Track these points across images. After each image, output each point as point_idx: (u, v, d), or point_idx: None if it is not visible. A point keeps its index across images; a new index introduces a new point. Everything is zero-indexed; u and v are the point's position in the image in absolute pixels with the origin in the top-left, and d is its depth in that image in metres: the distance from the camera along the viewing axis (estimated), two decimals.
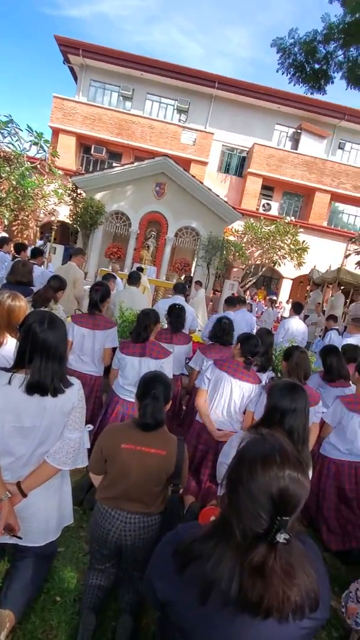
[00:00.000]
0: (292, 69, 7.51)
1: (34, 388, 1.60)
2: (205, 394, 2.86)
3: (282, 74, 7.69)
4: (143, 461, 1.76)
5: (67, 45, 17.25)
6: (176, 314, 3.64)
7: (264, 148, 17.78)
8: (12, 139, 10.20)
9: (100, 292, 3.19)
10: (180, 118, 18.86)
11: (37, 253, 5.65)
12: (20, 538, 1.71)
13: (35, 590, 1.82)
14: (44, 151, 10.84)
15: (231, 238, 14.29)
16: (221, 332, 3.41)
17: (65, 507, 1.91)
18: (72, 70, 18.98)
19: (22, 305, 2.26)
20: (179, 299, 4.84)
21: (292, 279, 16.86)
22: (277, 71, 7.69)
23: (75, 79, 19.05)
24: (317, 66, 7.41)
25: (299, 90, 8.30)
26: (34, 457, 1.70)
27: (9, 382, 1.59)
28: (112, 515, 1.78)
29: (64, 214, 13.32)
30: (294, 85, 7.84)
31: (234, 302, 5.46)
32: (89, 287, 3.48)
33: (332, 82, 7.58)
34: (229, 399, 2.79)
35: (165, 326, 3.81)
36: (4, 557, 1.96)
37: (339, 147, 19.38)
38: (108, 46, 17.22)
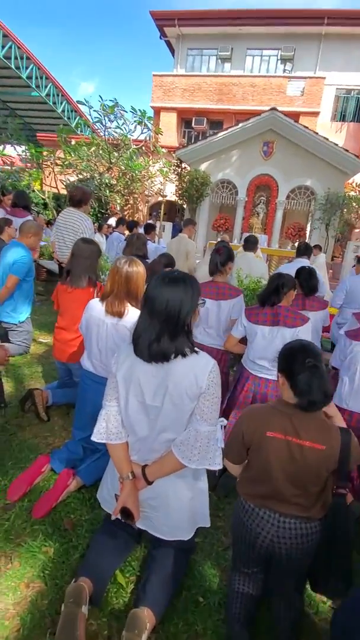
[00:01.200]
0: None
1: (137, 345, 1.40)
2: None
3: None
4: (295, 455, 1.37)
5: (162, 18, 16.96)
6: (307, 275, 3.06)
7: None
8: (118, 123, 10.45)
9: (223, 254, 2.83)
10: (285, 68, 17.03)
11: (149, 228, 5.61)
12: (134, 525, 1.56)
13: (176, 585, 1.61)
14: (148, 129, 10.88)
15: (352, 194, 12.47)
16: None
17: (200, 507, 1.65)
18: (168, 44, 18.65)
19: (140, 270, 2.03)
20: (304, 262, 4.22)
21: None
22: None
23: (173, 53, 18.69)
24: None
25: None
26: (158, 443, 1.47)
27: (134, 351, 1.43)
28: (261, 517, 1.44)
29: (169, 191, 13.36)
30: None
31: None
32: (199, 261, 3.15)
33: None
34: None
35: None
36: (140, 542, 1.81)
37: None
38: (202, 8, 16.43)
